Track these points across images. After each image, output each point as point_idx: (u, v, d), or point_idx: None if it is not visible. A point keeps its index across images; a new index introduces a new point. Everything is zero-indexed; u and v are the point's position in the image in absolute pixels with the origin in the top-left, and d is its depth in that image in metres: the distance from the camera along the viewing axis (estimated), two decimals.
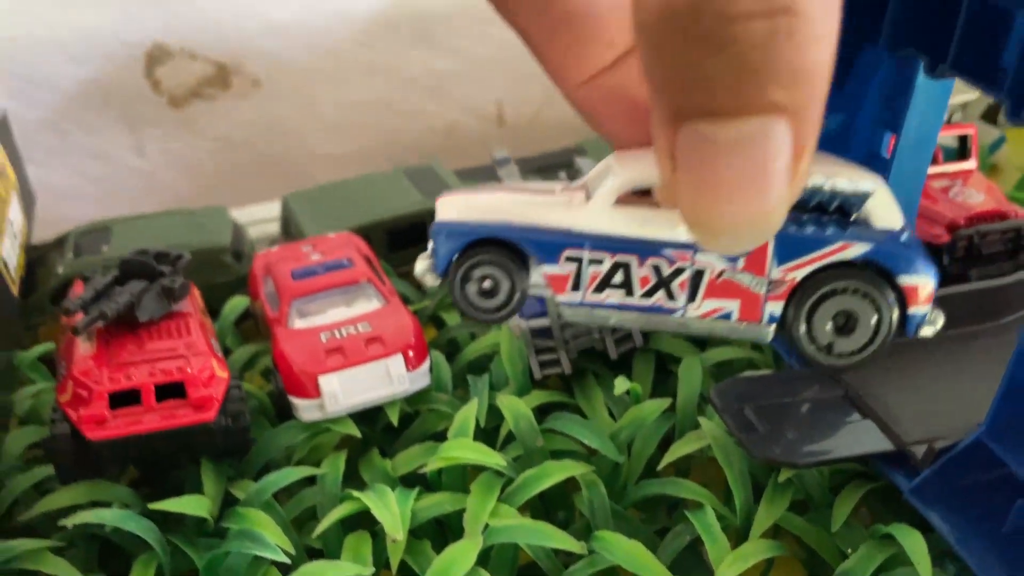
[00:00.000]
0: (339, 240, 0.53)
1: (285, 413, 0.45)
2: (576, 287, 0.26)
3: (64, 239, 0.58)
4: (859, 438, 0.39)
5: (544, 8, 0.25)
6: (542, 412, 0.45)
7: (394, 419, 0.44)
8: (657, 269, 0.26)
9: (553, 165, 0.66)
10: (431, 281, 0.28)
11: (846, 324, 0.26)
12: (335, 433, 0.44)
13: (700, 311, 0.26)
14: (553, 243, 0.26)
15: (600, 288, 0.26)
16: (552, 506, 0.42)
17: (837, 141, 0.43)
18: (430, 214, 0.58)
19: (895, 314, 0.26)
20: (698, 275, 0.26)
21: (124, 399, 0.39)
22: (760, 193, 0.20)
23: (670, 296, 0.26)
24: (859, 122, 0.42)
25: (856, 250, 0.26)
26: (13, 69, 0.69)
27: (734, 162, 0.20)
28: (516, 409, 0.43)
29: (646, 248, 0.26)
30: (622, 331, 0.46)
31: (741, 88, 0.19)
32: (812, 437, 0.39)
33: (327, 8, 0.76)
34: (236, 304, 0.53)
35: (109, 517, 0.37)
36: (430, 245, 0.28)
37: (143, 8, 0.71)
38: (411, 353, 0.44)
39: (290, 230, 0.59)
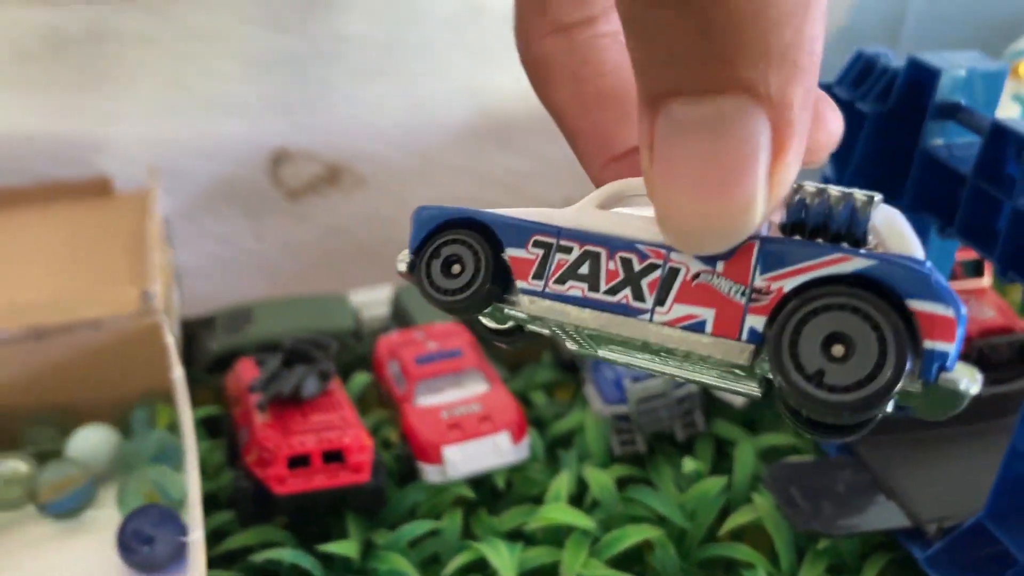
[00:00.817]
0: (448, 328, 0.63)
1: (407, 476, 0.56)
2: (539, 275, 0.23)
3: (212, 319, 0.70)
4: (884, 515, 0.48)
5: (580, 88, 0.26)
6: (619, 483, 0.54)
7: (501, 484, 0.54)
8: (627, 263, 0.22)
9: None
10: (402, 263, 0.26)
11: (843, 352, 0.20)
12: (452, 493, 0.54)
13: (669, 316, 0.22)
14: (523, 227, 0.24)
15: (563, 279, 0.23)
16: (630, 562, 0.51)
17: None
18: None
19: (905, 345, 0.20)
20: (671, 275, 0.22)
21: (296, 462, 0.49)
22: (727, 184, 0.18)
23: (637, 295, 0.22)
24: None
25: (855, 264, 0.20)
26: (160, 164, 0.81)
27: (701, 146, 0.18)
28: (600, 480, 0.53)
29: (618, 242, 0.23)
30: (689, 417, 0.56)
31: (706, 59, 0.17)
32: (845, 513, 0.48)
33: (425, 118, 0.88)
34: (360, 381, 0.64)
35: (287, 555, 0.47)
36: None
37: (271, 118, 0.83)
38: (515, 430, 0.54)
39: (401, 316, 0.70)
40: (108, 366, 0.57)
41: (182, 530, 0.48)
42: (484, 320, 0.26)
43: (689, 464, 0.53)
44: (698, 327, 0.21)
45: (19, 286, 0.60)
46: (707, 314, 0.21)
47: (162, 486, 0.51)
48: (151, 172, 0.73)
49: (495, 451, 0.53)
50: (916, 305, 0.20)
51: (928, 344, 0.20)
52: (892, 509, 0.48)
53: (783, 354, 0.20)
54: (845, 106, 0.47)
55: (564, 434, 0.59)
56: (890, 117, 0.46)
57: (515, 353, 0.68)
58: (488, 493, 0.55)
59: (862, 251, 0.21)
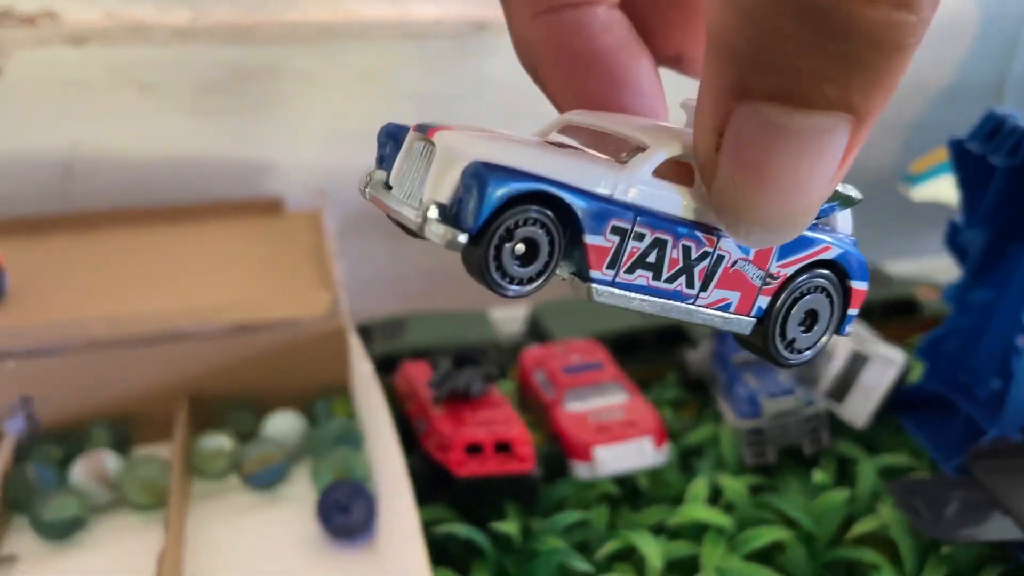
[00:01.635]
0: (585, 345, 0.70)
1: (553, 472, 0.62)
2: (612, 264, 0.23)
3: (369, 328, 0.77)
4: (1000, 528, 0.53)
5: None
6: (751, 490, 0.60)
7: (643, 484, 0.60)
8: (687, 251, 0.24)
9: None
10: (448, 236, 0.22)
11: (810, 321, 0.26)
12: (598, 489, 0.60)
13: (708, 300, 0.24)
14: (604, 210, 0.22)
15: (633, 268, 0.23)
16: (761, 561, 0.57)
17: (988, 309, 0.58)
18: (646, 331, 0.75)
19: (843, 317, 0.27)
20: (717, 262, 0.24)
21: (471, 449, 0.56)
22: (807, 189, 0.19)
23: (689, 283, 0.24)
24: (1006, 296, 0.57)
25: (833, 252, 0.26)
26: (324, 189, 0.90)
27: (791, 153, 0.19)
28: (733, 486, 0.59)
29: (682, 227, 0.23)
30: (816, 434, 0.61)
31: (829, 80, 0.18)
32: (965, 524, 0.53)
33: None
34: (504, 387, 0.71)
35: (462, 531, 0.54)
36: (448, 189, 0.22)
37: None
38: (656, 436, 0.60)
39: (538, 332, 0.77)
40: (297, 361, 0.65)
41: (371, 501, 0.56)
42: (511, 265, 0.23)
43: (819, 475, 0.58)
44: (725, 308, 0.25)
45: (213, 289, 0.68)
46: (733, 297, 0.25)
47: (349, 465, 0.58)
48: (319, 194, 0.82)
49: (639, 454, 0.60)
50: (854, 284, 0.26)
51: (851, 311, 0.27)
52: (1007, 524, 0.53)
53: (776, 328, 0.26)
54: (977, 159, 0.53)
55: (695, 445, 0.65)
56: (1019, 170, 0.51)
57: (643, 372, 0.74)
58: (629, 492, 0.62)
59: (835, 237, 0.26)
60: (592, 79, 0.25)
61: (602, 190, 0.23)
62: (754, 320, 0.25)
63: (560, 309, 0.79)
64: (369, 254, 0.96)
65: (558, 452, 0.61)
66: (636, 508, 0.60)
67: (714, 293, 0.24)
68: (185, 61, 0.84)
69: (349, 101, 0.88)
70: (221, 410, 0.64)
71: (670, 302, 0.24)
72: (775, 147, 0.19)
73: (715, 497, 0.60)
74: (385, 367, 0.71)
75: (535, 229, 0.22)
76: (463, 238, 0.21)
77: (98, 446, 0.61)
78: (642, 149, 0.23)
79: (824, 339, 0.26)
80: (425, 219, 0.22)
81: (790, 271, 0.25)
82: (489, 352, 0.64)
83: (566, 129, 0.26)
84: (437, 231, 0.22)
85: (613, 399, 0.64)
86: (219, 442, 0.60)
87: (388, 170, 0.25)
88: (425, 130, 0.24)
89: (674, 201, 0.23)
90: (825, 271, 0.26)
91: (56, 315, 0.62)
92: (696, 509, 0.57)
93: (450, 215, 0.22)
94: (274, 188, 0.88)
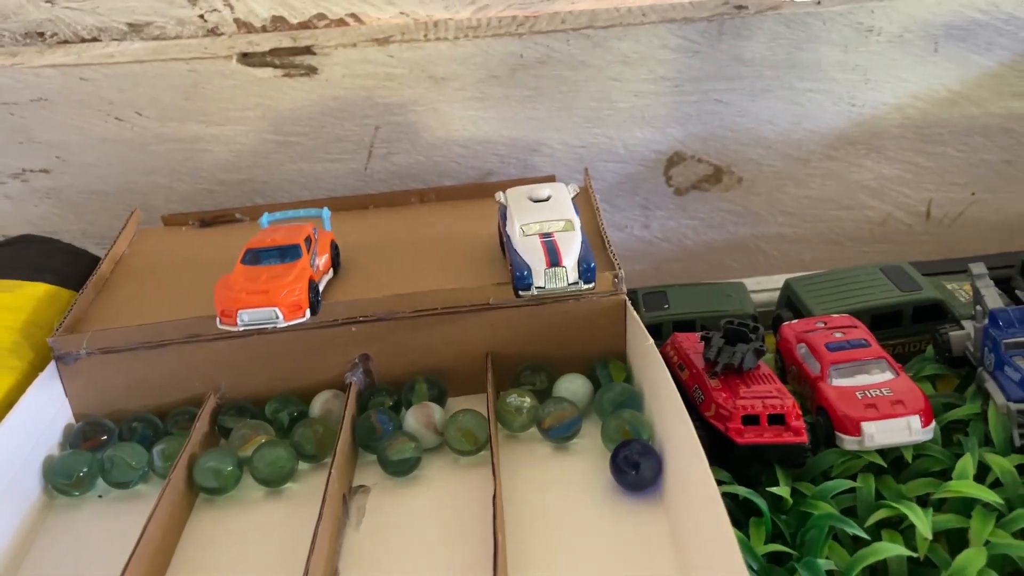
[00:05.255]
0: (845, 321, 0.74)
1: (818, 442, 0.67)
2: None
3: (634, 297, 0.85)
4: None
5: None
6: (1020, 470, 0.63)
7: (909, 458, 0.64)
8: None
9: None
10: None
11: None
12: (863, 460, 0.65)
13: None
14: None
15: None
16: None
17: None
18: (906, 304, 0.78)
19: None
20: None
21: (748, 420, 0.63)
22: None
23: None
24: None
25: None
26: (582, 165, 0.98)
27: None
28: (1002, 465, 0.62)
29: None
30: None
31: None
32: None
33: (804, 129, 0.98)
34: (766, 360, 0.76)
35: (742, 491, 0.61)
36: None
37: (674, 127, 0.97)
38: (924, 415, 0.64)
39: (792, 304, 0.82)
40: (582, 329, 0.73)
41: (658, 459, 0.64)
42: None
43: None
44: None
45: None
46: None
47: (635, 425, 0.66)
48: (586, 173, 0.89)
49: (907, 431, 0.64)
50: None
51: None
52: None
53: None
54: None
55: (953, 422, 0.68)
56: None
57: (899, 346, 0.77)
58: (892, 464, 0.66)
59: None
60: None
61: None
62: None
63: (814, 281, 0.83)
64: (621, 223, 1.04)
65: (824, 424, 0.66)
66: (900, 479, 0.65)
67: None
68: (471, 55, 0.93)
69: (613, 85, 0.94)
70: (518, 370, 0.74)
71: None
72: None
73: (981, 475, 0.63)
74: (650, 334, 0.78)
75: None
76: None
77: (423, 398, 0.72)
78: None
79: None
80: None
81: None
82: (759, 327, 0.69)
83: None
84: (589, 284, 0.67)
85: (879, 377, 0.68)
86: (522, 400, 0.70)
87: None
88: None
89: None
90: None
91: (385, 287, 0.74)
92: (965, 484, 0.61)
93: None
94: (538, 165, 0.97)
